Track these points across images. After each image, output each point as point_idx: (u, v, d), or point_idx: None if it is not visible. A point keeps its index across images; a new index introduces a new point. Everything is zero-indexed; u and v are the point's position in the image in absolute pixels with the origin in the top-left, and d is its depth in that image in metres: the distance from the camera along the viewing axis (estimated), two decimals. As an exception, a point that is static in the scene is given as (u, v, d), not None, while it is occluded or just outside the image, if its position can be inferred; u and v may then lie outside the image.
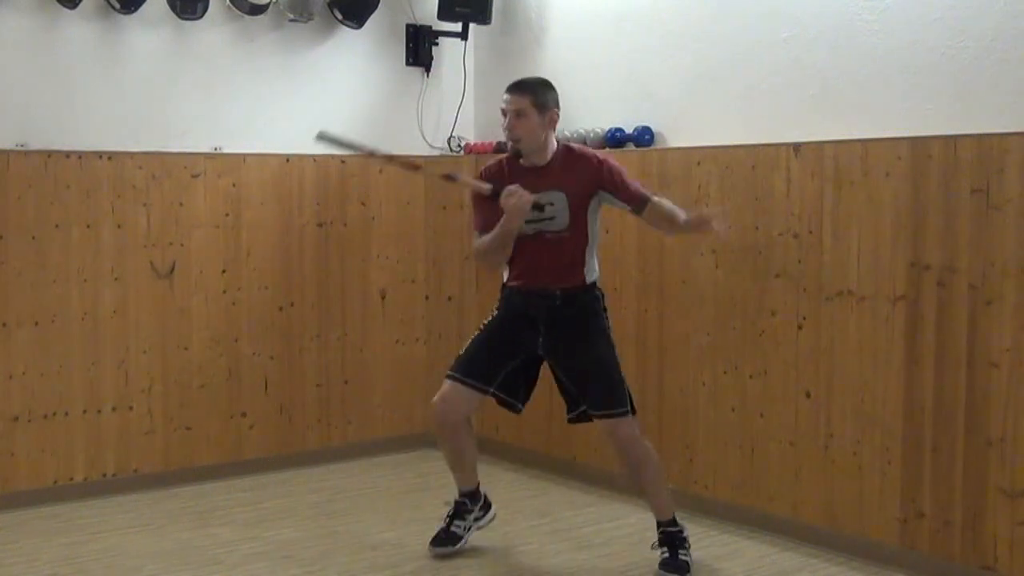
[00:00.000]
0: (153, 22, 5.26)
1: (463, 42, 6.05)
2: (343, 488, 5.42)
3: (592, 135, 5.38)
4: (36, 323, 5.03)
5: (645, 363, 5.14)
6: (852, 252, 4.36)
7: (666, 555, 4.23)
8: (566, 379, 4.28)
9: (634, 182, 4.20)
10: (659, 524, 4.29)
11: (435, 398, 4.32)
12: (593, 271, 4.24)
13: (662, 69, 5.18)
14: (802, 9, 4.61)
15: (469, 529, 4.49)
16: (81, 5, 5.03)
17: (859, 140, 4.34)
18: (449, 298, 6.15)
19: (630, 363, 5.20)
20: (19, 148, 4.98)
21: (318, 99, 5.79)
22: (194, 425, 5.47)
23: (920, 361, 4.17)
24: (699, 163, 4.89)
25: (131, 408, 5.29)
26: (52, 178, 5.05)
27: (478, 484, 4.52)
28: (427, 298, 6.16)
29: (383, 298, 6.02)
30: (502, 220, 4.06)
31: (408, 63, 6.08)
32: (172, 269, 5.37)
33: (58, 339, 5.08)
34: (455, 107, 6.15)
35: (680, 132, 5.13)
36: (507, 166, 4.24)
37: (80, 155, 5.11)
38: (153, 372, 5.34)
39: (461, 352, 4.36)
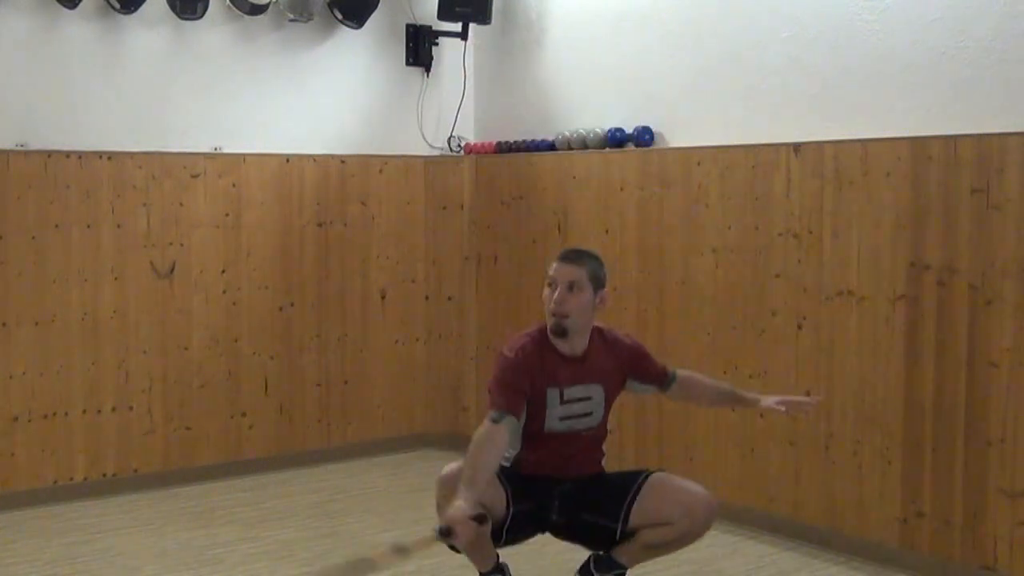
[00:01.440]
0: (153, 22, 5.26)
1: (463, 42, 6.04)
2: (343, 488, 5.42)
3: (592, 135, 5.39)
4: (36, 323, 5.03)
5: (645, 363, 5.14)
6: (852, 252, 4.36)
7: None
8: (582, 525, 3.68)
9: (658, 360, 3.80)
10: (617, 566, 3.74)
11: (450, 468, 3.64)
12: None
13: (662, 69, 5.18)
14: (802, 9, 4.61)
15: None
16: (81, 5, 5.03)
17: (859, 140, 4.34)
18: (449, 298, 6.15)
19: (630, 363, 5.20)
20: (19, 148, 4.98)
21: (318, 99, 5.79)
22: (194, 425, 5.47)
23: (920, 361, 4.17)
24: (699, 163, 4.89)
25: (131, 408, 5.29)
26: (52, 178, 5.04)
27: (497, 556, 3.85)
28: (427, 298, 6.16)
29: (383, 298, 6.02)
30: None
31: (408, 63, 6.08)
32: (172, 269, 5.37)
33: (58, 339, 5.08)
34: (455, 107, 6.15)
35: (680, 132, 5.12)
36: (543, 355, 3.59)
37: (80, 155, 5.11)
38: (153, 372, 5.34)
39: (506, 462, 3.63)
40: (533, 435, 3.59)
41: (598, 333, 3.69)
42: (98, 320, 5.18)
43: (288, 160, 5.69)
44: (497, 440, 3.45)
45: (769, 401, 3.72)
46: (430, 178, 6.12)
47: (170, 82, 5.37)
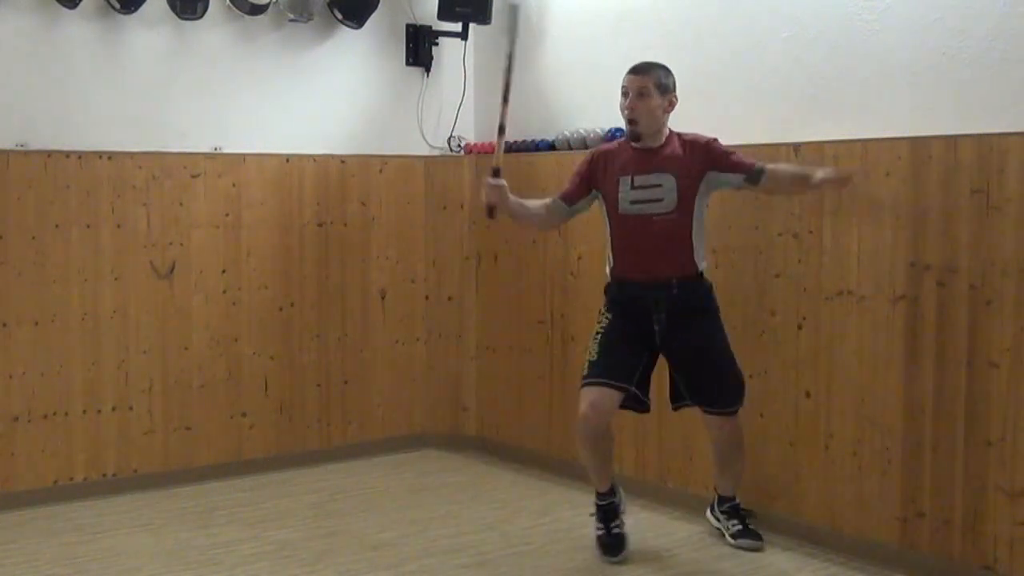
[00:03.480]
0: (153, 22, 5.26)
1: (463, 42, 6.05)
2: (343, 488, 5.42)
3: (592, 135, 5.38)
4: (36, 323, 5.03)
5: (645, 363, 5.14)
6: (852, 252, 4.36)
7: (738, 527, 4.47)
8: (679, 373, 4.34)
9: (744, 158, 4.25)
10: (724, 499, 4.52)
11: (583, 408, 4.22)
12: (703, 259, 4.29)
13: (662, 69, 5.17)
14: (802, 9, 4.61)
15: (624, 522, 4.48)
16: (81, 5, 5.03)
17: (859, 140, 4.33)
18: (449, 298, 6.16)
19: (630, 363, 5.20)
20: (19, 148, 4.98)
21: (318, 99, 5.79)
22: (194, 425, 5.47)
23: (920, 361, 4.17)
24: (699, 163, 4.89)
25: (131, 408, 5.29)
26: (52, 178, 5.05)
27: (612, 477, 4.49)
28: (427, 298, 6.16)
29: (383, 298, 6.02)
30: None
31: (408, 63, 6.09)
32: (172, 269, 5.37)
33: (58, 339, 5.08)
34: (455, 107, 6.15)
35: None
36: (620, 153, 4.31)
37: (80, 155, 5.11)
38: (153, 372, 5.34)
39: (591, 358, 4.28)
40: (614, 218, 4.29)
41: (677, 136, 4.29)
42: (98, 320, 5.18)
43: (288, 160, 5.69)
44: (545, 206, 4.46)
45: (819, 176, 4.09)
46: (430, 178, 6.12)
47: (170, 82, 5.37)
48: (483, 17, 5.88)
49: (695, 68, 5.05)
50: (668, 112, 4.28)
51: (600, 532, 4.43)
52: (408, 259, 6.09)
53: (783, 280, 4.59)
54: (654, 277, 4.21)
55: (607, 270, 4.42)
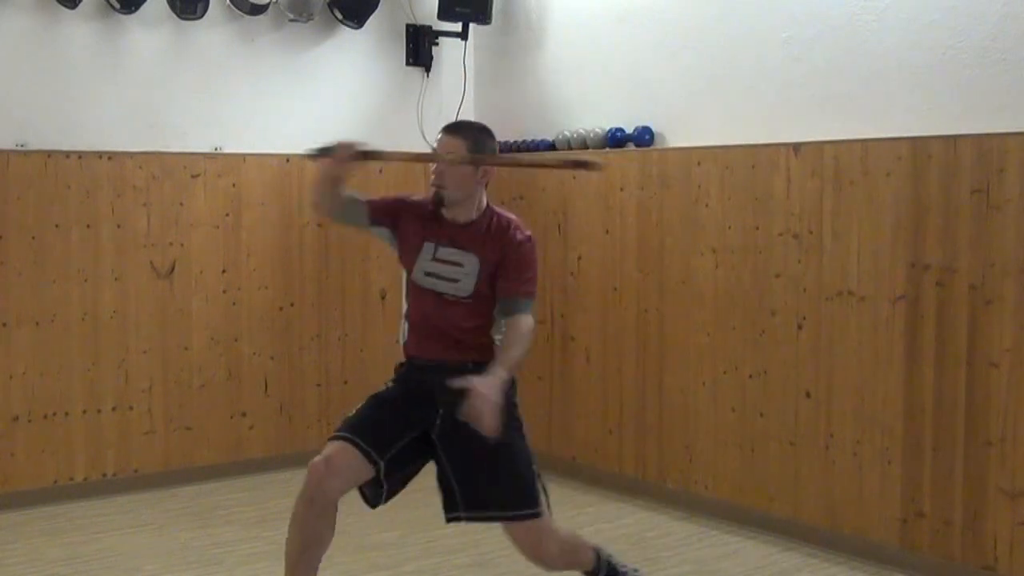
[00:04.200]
0: (153, 22, 5.26)
1: (463, 42, 6.04)
2: (343, 488, 5.41)
3: (592, 135, 5.39)
4: (36, 323, 5.03)
5: (645, 363, 5.14)
6: (852, 252, 4.36)
7: None
8: (458, 472, 3.56)
9: (531, 284, 3.53)
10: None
11: (316, 459, 3.43)
12: None
13: (662, 69, 5.18)
14: (802, 9, 4.61)
15: None
16: (81, 5, 5.03)
17: (859, 140, 4.34)
18: (449, 298, 6.14)
19: (630, 364, 5.22)
20: (19, 148, 4.98)
21: (318, 99, 5.79)
22: (194, 425, 5.47)
23: (920, 361, 4.17)
24: (699, 163, 4.89)
25: (131, 408, 5.29)
26: (52, 178, 5.05)
27: None
28: (427, 298, 6.15)
29: (383, 298, 6.02)
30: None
31: (408, 63, 6.08)
32: (172, 269, 5.37)
33: (58, 339, 5.08)
34: (455, 107, 6.14)
35: (680, 132, 5.12)
36: (433, 212, 3.56)
37: (80, 155, 5.11)
38: (153, 372, 5.34)
39: (347, 415, 3.54)
40: (409, 283, 3.58)
41: (496, 217, 3.56)
42: (98, 320, 5.18)
43: (288, 160, 5.69)
44: (351, 195, 3.59)
45: (473, 384, 3.21)
46: (430, 178, 6.10)
47: (170, 82, 5.37)
48: (483, 17, 5.88)
49: (695, 68, 5.06)
50: (482, 184, 3.53)
51: None
52: (408, 259, 6.08)
53: (783, 280, 4.59)
54: (441, 363, 3.47)
55: (401, 342, 3.65)
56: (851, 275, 4.37)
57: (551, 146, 5.65)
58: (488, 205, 3.59)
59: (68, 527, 4.79)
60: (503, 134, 6.00)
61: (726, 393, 4.83)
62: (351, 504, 5.14)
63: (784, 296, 4.59)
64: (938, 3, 4.16)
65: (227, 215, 5.52)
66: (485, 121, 6.09)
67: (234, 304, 5.56)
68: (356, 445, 3.42)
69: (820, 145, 4.46)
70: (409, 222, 3.59)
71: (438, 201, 3.52)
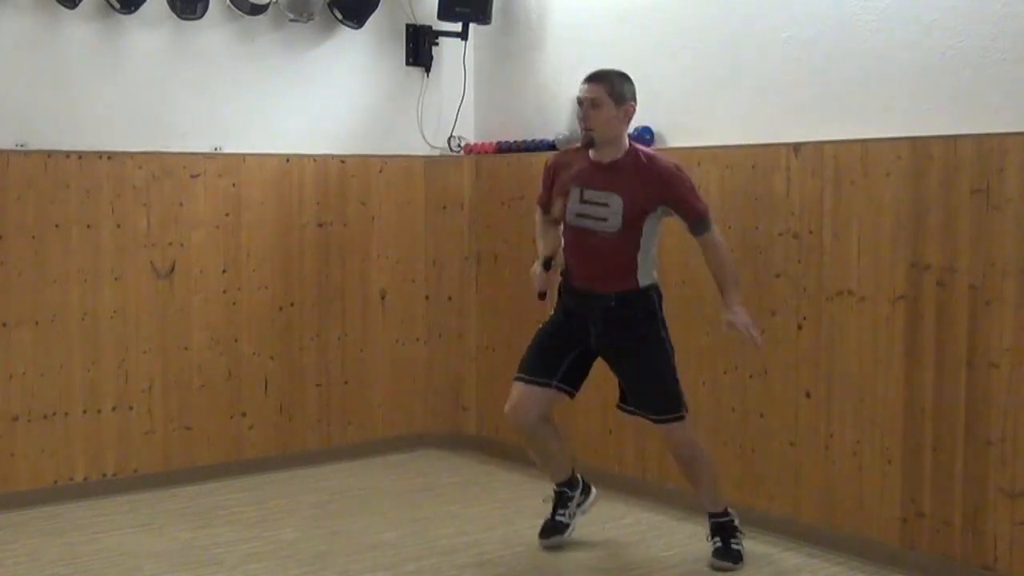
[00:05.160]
0: (153, 22, 5.26)
1: (463, 42, 6.04)
2: (343, 488, 5.42)
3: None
4: (36, 323, 5.03)
5: (645, 363, 5.14)
6: (852, 252, 4.36)
7: (718, 544, 4.29)
8: (620, 375, 4.31)
9: (699, 201, 4.18)
10: (710, 515, 4.34)
11: (506, 407, 4.35)
12: (648, 276, 4.20)
13: (662, 69, 5.17)
14: (802, 9, 4.61)
15: (574, 516, 4.54)
16: (81, 5, 5.02)
17: (859, 140, 4.34)
18: (449, 298, 6.15)
19: (630, 363, 5.20)
20: (19, 148, 4.98)
21: (318, 99, 5.79)
22: (194, 425, 5.47)
23: (920, 361, 4.17)
24: (699, 163, 4.89)
25: (131, 408, 5.29)
26: (52, 178, 5.04)
27: (572, 471, 4.54)
28: (427, 298, 6.16)
29: (383, 298, 6.02)
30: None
31: (408, 63, 6.08)
32: (172, 269, 5.37)
33: (58, 339, 5.08)
34: (455, 107, 6.15)
35: (680, 132, 5.12)
36: (578, 159, 4.22)
37: (80, 155, 5.11)
38: (153, 372, 5.34)
39: (524, 355, 4.37)
40: (564, 225, 4.25)
41: (639, 154, 4.17)
42: (98, 320, 5.18)
43: (288, 160, 5.69)
44: (544, 221, 4.41)
45: (728, 316, 4.14)
46: (430, 178, 6.12)
47: (170, 82, 5.36)
48: (483, 17, 5.88)
49: (695, 68, 5.06)
50: (625, 122, 4.18)
51: (546, 517, 4.53)
52: (408, 259, 6.09)
53: (783, 280, 4.59)
54: (593, 289, 4.19)
55: (562, 268, 4.39)
56: (851, 275, 4.37)
57: (551, 146, 5.64)
58: (631, 144, 4.19)
59: (68, 527, 4.79)
60: (503, 134, 6.02)
61: (726, 393, 4.83)
62: (351, 504, 5.17)
63: (784, 296, 4.59)
64: (938, 3, 4.16)
65: (227, 215, 5.52)
66: (485, 121, 6.17)
67: (234, 304, 5.56)
68: (528, 382, 4.29)
69: (820, 145, 4.45)
70: (560, 177, 4.27)
71: (588, 142, 4.15)
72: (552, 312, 4.42)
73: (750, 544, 4.52)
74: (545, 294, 4.27)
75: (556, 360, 4.29)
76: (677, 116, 5.14)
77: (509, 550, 4.54)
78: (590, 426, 5.41)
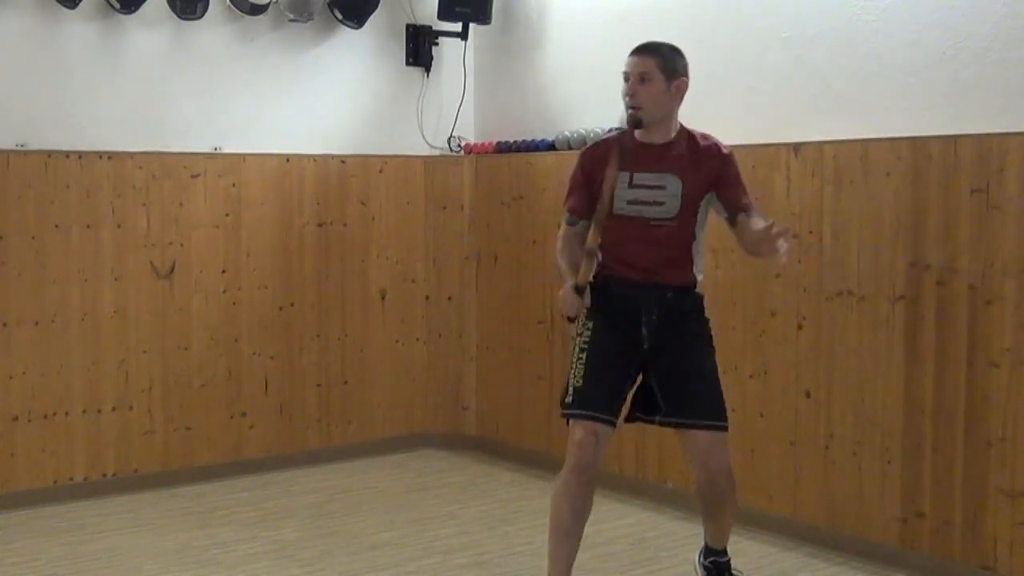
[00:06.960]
0: (153, 22, 5.26)
1: (463, 42, 6.05)
2: (343, 488, 5.42)
3: (592, 135, 5.38)
4: (36, 323, 5.03)
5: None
6: (852, 252, 4.36)
7: None
8: (662, 383, 3.70)
9: (747, 194, 3.71)
10: (709, 550, 3.95)
11: (575, 450, 3.58)
12: (701, 271, 3.74)
13: (662, 69, 5.17)
14: (802, 9, 4.61)
15: None
16: (81, 5, 5.03)
17: (859, 140, 4.34)
18: (449, 298, 6.16)
19: (630, 363, 5.20)
20: (19, 148, 4.98)
21: (318, 99, 5.79)
22: (194, 425, 5.47)
23: (920, 361, 4.17)
24: (699, 163, 4.89)
25: (131, 408, 5.29)
26: (52, 178, 5.05)
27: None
28: (427, 298, 6.16)
29: (383, 298, 6.02)
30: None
31: (408, 63, 6.08)
32: (172, 269, 5.37)
33: (58, 339, 5.08)
34: (455, 107, 6.15)
35: (680, 132, 5.12)
36: (617, 143, 3.65)
37: (80, 155, 5.11)
38: (153, 372, 5.34)
39: (576, 383, 3.64)
40: (609, 217, 3.62)
41: (691, 134, 3.72)
42: (98, 320, 5.18)
43: (288, 160, 5.69)
44: (572, 238, 3.74)
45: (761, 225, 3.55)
46: (430, 178, 6.12)
47: (170, 82, 5.37)
48: (483, 17, 5.89)
49: (695, 68, 5.02)
50: (677, 99, 3.68)
51: None
52: (408, 259, 6.09)
53: (783, 280, 4.59)
54: (646, 281, 3.64)
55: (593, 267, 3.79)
56: (851, 275, 4.37)
57: (551, 146, 5.65)
58: (682, 126, 3.72)
59: (68, 527, 4.79)
60: (503, 134, 6.02)
61: (726, 393, 4.81)
62: (351, 504, 5.17)
63: (784, 296, 4.59)
64: (938, 3, 4.16)
65: (227, 215, 5.52)
66: (485, 121, 6.18)
67: (234, 304, 5.56)
68: (596, 419, 3.59)
69: (820, 145, 4.46)
70: (599, 173, 3.65)
71: (636, 123, 3.64)
72: (584, 330, 3.71)
73: (750, 544, 4.53)
74: (575, 318, 3.69)
75: (618, 394, 3.68)
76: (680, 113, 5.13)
77: (509, 550, 4.55)
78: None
